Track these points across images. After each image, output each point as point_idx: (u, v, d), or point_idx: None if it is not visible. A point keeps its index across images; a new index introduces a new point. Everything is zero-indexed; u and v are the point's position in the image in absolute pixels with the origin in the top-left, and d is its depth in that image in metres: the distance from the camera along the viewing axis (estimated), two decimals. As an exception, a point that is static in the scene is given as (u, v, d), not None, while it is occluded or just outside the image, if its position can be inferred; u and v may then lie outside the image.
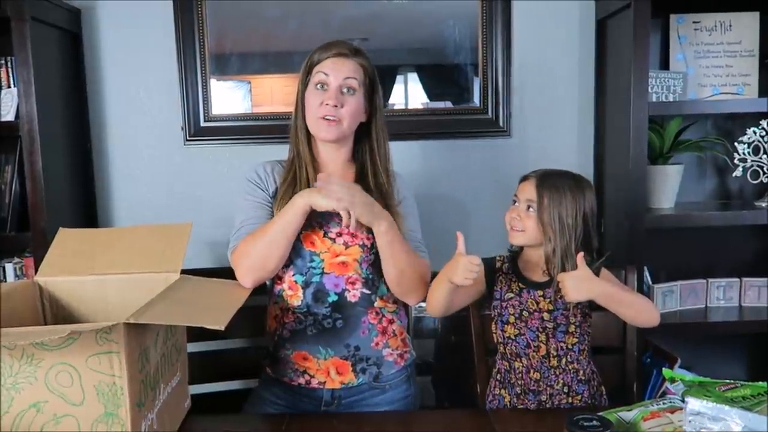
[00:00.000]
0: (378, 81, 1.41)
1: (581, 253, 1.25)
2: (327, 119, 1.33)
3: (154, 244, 1.28)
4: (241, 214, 1.37)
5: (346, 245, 1.34)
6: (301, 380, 1.37)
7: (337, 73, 1.34)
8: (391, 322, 1.41)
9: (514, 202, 1.38)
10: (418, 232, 1.43)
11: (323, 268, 1.34)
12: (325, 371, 1.36)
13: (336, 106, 1.32)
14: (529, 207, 1.34)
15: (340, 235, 1.34)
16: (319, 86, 1.34)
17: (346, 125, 1.35)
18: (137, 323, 0.92)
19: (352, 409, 1.38)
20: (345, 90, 1.34)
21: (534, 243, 1.35)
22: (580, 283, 1.23)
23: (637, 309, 1.29)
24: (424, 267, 1.37)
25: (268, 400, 1.41)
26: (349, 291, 1.35)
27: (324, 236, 1.34)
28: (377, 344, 1.38)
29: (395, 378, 1.41)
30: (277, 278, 1.38)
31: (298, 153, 1.40)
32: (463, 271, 1.23)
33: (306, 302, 1.34)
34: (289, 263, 1.34)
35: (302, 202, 1.26)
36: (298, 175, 1.38)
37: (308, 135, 1.39)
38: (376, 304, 1.38)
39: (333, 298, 1.34)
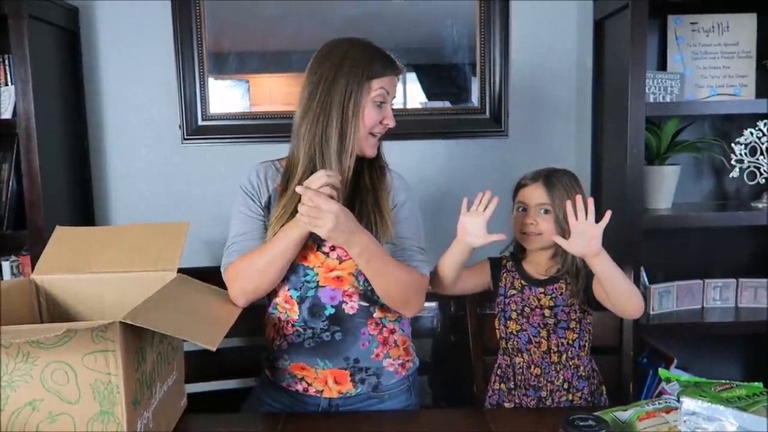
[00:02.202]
0: None
1: (608, 211, 1.22)
2: (375, 136, 1.31)
3: (151, 243, 1.28)
4: (233, 228, 1.33)
5: (340, 259, 1.29)
6: (299, 387, 1.35)
7: (393, 91, 1.31)
8: (392, 332, 1.36)
9: (521, 209, 1.38)
10: (416, 239, 1.35)
11: (318, 282, 1.30)
12: (322, 380, 1.33)
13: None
14: (544, 210, 1.35)
15: (333, 249, 1.29)
16: (379, 102, 1.28)
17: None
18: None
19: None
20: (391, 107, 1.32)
21: (551, 244, 1.34)
22: (588, 231, 1.20)
23: (628, 290, 1.25)
24: (415, 278, 1.30)
25: (265, 403, 1.41)
26: (347, 303, 1.30)
27: (317, 250, 1.29)
28: (377, 355, 1.34)
29: (395, 388, 1.38)
30: (273, 292, 1.34)
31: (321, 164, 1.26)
32: (475, 228, 1.28)
33: (303, 317, 1.31)
34: (283, 278, 1.30)
35: (298, 232, 1.21)
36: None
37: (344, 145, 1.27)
38: (375, 315, 1.33)
39: (330, 311, 1.30)
